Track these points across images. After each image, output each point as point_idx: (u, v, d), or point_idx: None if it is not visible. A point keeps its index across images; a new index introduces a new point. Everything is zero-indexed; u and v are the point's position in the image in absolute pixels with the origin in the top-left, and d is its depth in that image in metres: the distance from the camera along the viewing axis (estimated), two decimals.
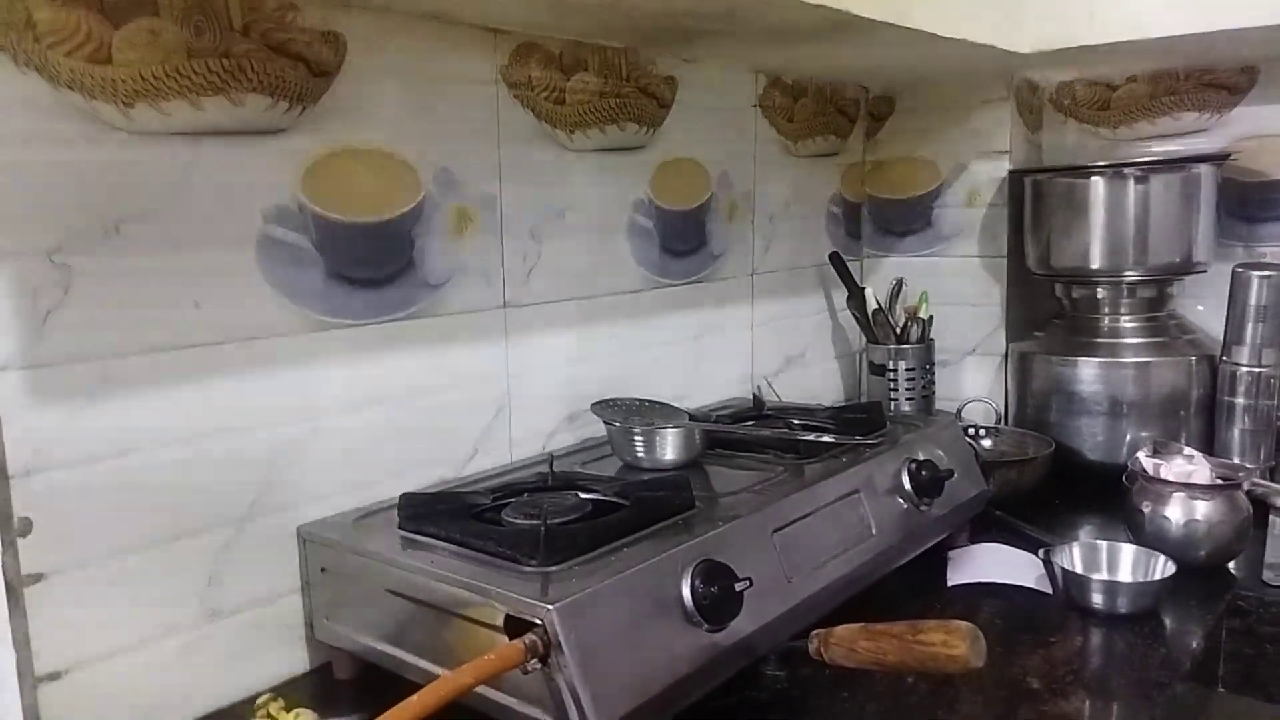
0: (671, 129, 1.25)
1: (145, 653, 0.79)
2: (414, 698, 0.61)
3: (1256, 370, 1.28)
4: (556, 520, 0.82)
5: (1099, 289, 1.43)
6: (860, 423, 1.14)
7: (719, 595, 0.75)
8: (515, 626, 0.69)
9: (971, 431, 1.45)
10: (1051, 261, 1.46)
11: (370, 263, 0.93)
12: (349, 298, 0.92)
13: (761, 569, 0.83)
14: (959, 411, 1.54)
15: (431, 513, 0.87)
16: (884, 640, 0.72)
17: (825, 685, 0.84)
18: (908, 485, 1.05)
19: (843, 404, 1.21)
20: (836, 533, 0.95)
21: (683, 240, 1.30)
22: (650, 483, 0.92)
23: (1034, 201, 1.47)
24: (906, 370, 1.52)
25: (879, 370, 1.54)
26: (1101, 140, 1.59)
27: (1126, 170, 1.36)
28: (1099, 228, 1.39)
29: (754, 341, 1.46)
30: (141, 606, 0.79)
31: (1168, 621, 0.96)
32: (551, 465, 1.00)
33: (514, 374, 1.08)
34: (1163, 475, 1.08)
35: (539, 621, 0.67)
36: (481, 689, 0.73)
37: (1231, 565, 1.08)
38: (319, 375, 0.90)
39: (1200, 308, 1.46)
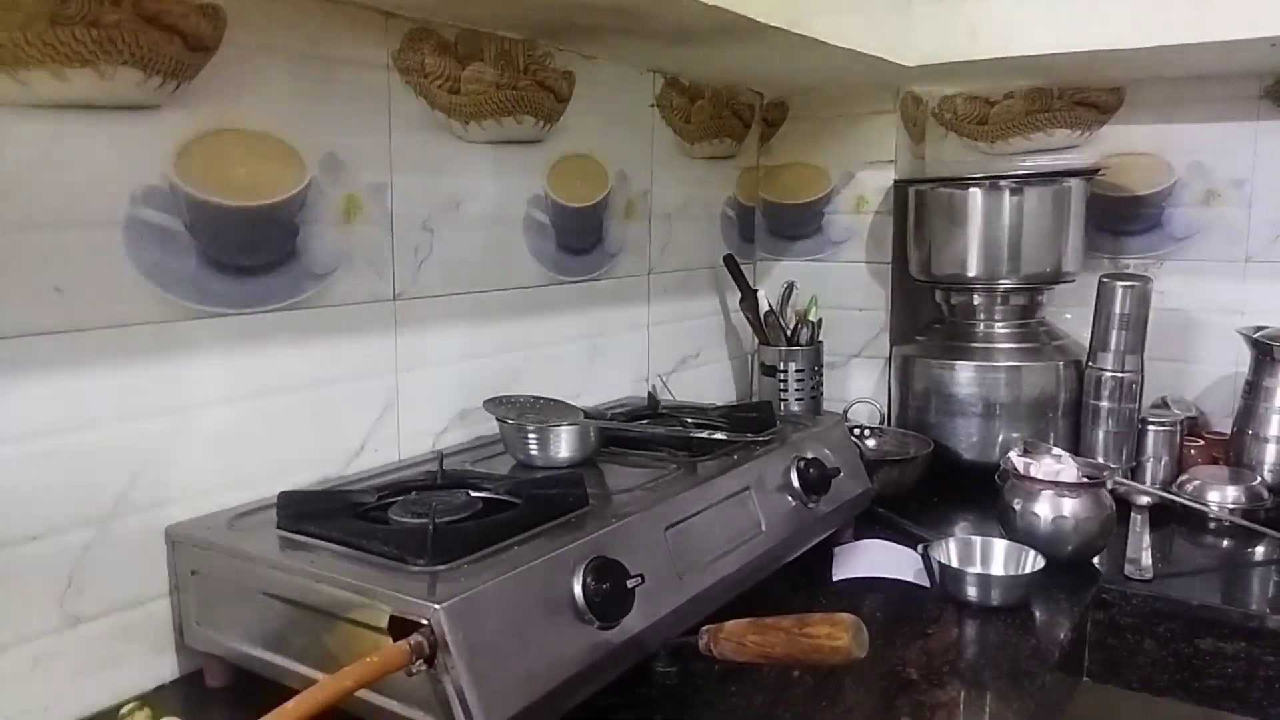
0: (569, 124, 1.24)
1: None
2: (291, 703, 0.58)
3: (1120, 375, 1.36)
4: (445, 519, 0.80)
5: (975, 296, 1.49)
6: (751, 422, 1.16)
7: (611, 592, 0.75)
8: (400, 628, 0.67)
9: (857, 431, 1.49)
10: (932, 268, 1.51)
11: (249, 249, 0.89)
12: (225, 285, 0.87)
13: (653, 566, 0.83)
14: (845, 412, 1.58)
15: (312, 512, 0.83)
16: (771, 634, 0.73)
17: (714, 680, 0.84)
18: (796, 483, 1.07)
19: (735, 403, 1.23)
20: (727, 529, 0.95)
21: (580, 237, 1.30)
22: (543, 480, 0.91)
23: (917, 210, 1.53)
24: (796, 371, 1.55)
25: (770, 371, 1.57)
26: (979, 154, 1.66)
27: (1003, 183, 1.43)
28: (976, 237, 1.45)
29: (650, 341, 1.47)
30: None
31: (1037, 613, 1.01)
32: (441, 463, 0.98)
33: (404, 369, 1.05)
34: (1033, 474, 1.13)
35: (425, 622, 0.65)
36: (364, 693, 0.70)
37: (1096, 560, 1.14)
38: (191, 366, 0.85)
39: (1068, 316, 1.54)
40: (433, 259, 1.07)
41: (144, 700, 0.77)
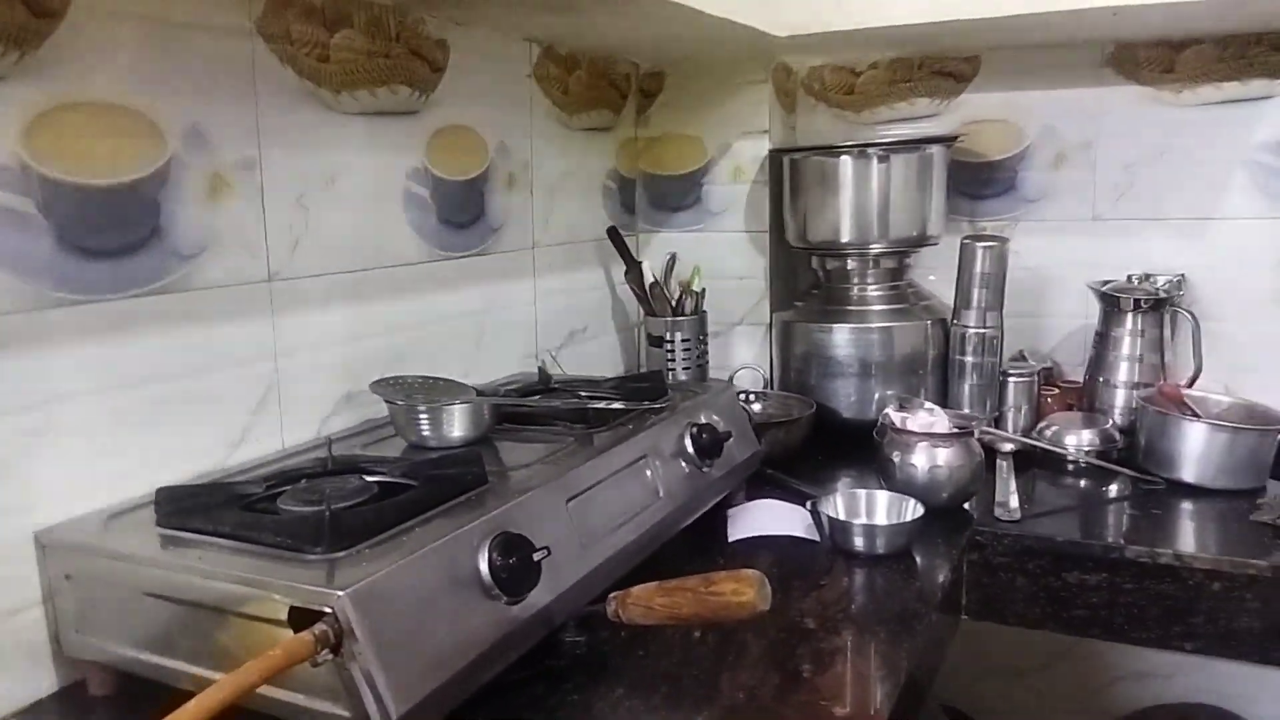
0: (446, 95, 1.21)
1: None
2: (191, 703, 0.56)
3: (982, 331, 1.44)
4: (340, 504, 0.78)
5: (849, 260, 1.55)
6: (644, 391, 1.17)
7: (517, 566, 0.75)
8: (301, 619, 0.64)
9: (743, 396, 1.52)
10: (808, 235, 1.56)
11: (109, 230, 0.83)
12: (85, 270, 0.81)
13: (557, 538, 0.83)
14: (731, 378, 1.62)
15: (195, 506, 0.79)
16: (678, 595, 0.74)
17: (622, 646, 0.85)
18: (690, 449, 1.09)
19: (625, 374, 1.24)
20: (627, 498, 0.96)
21: (461, 211, 1.27)
22: (439, 460, 0.90)
23: (791, 179, 1.57)
24: (683, 341, 1.57)
25: (657, 342, 1.58)
26: (847, 124, 1.71)
27: (870, 150, 1.48)
28: (848, 204, 1.50)
29: (537, 315, 1.46)
30: None
31: (919, 558, 1.06)
32: (330, 448, 0.95)
33: (283, 352, 1.01)
34: (909, 427, 1.19)
35: (329, 610, 0.64)
36: (267, 689, 0.68)
37: (969, 505, 1.21)
38: (52, 358, 0.79)
39: (932, 277, 1.62)
40: (308, 237, 1.03)
41: (21, 717, 0.72)
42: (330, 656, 0.63)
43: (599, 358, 1.61)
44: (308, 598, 0.65)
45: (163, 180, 0.87)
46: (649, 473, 1.01)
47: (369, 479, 0.88)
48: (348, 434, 1.07)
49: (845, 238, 1.52)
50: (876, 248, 1.52)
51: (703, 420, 1.12)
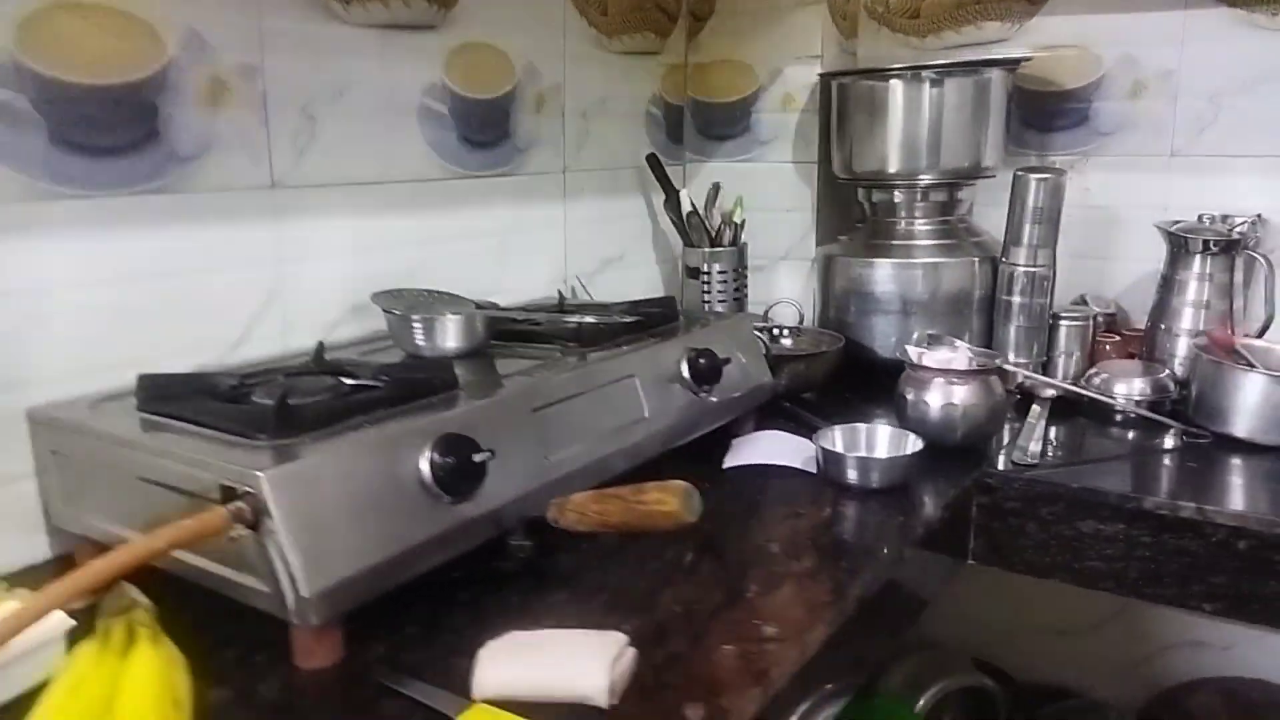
0: (468, 11, 1.21)
1: None
2: (99, 560, 0.59)
3: (1032, 270, 1.36)
4: (301, 399, 0.81)
5: (895, 193, 1.48)
6: (651, 316, 1.16)
7: (455, 466, 0.76)
8: (228, 496, 0.67)
9: (776, 331, 1.49)
10: (854, 166, 1.49)
11: (104, 129, 0.87)
12: (80, 166, 0.86)
13: (518, 445, 0.84)
14: (766, 312, 1.58)
15: (170, 394, 0.83)
16: (609, 502, 0.74)
17: (577, 556, 0.86)
18: (686, 373, 1.07)
19: (639, 300, 1.22)
20: (606, 414, 0.96)
21: (484, 130, 1.27)
22: (411, 365, 0.92)
23: (839, 105, 1.50)
24: (720, 273, 1.55)
25: (693, 273, 1.56)
26: (911, 49, 1.62)
27: (924, 73, 1.40)
28: (896, 132, 1.43)
29: (567, 241, 1.45)
30: None
31: (913, 495, 1.02)
32: (320, 351, 0.97)
33: (286, 259, 1.04)
34: (924, 362, 1.13)
35: (249, 489, 0.66)
36: (204, 561, 0.72)
37: (993, 449, 1.15)
38: (46, 248, 0.84)
39: (991, 213, 1.53)
40: (315, 147, 1.06)
41: (14, 580, 0.78)
42: (244, 532, 0.65)
43: (636, 286, 1.60)
44: (233, 476, 0.67)
45: (160, 84, 0.91)
46: (635, 392, 1.00)
47: (346, 381, 0.90)
48: (350, 343, 1.09)
49: (892, 168, 1.45)
50: (925, 179, 1.45)
51: (702, 346, 1.09)
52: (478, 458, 0.77)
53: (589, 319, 1.07)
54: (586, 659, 0.63)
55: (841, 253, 1.51)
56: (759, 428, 1.21)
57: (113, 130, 0.88)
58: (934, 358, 1.14)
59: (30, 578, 0.83)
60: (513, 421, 0.85)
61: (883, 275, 1.45)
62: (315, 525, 0.68)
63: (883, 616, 0.90)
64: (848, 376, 1.41)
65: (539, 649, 0.66)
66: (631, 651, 0.66)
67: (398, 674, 0.68)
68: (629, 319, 1.13)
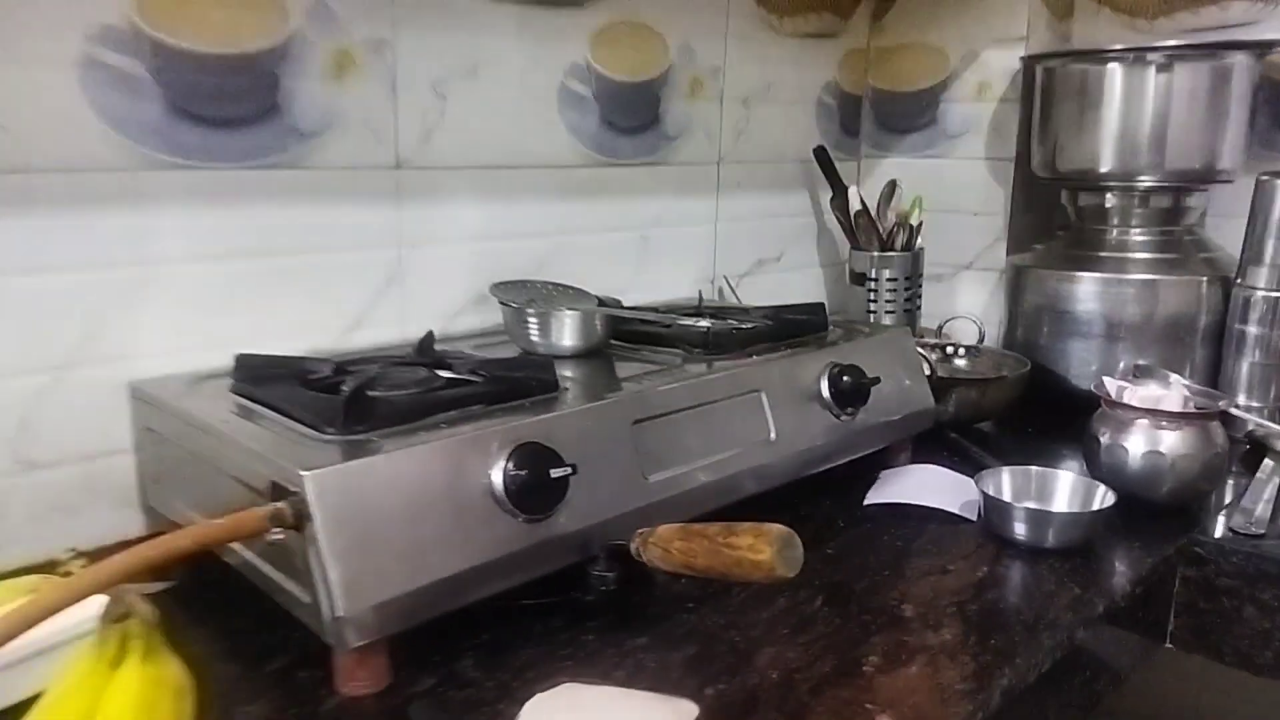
0: None
1: None
2: (120, 555, 0.55)
3: (1274, 295, 1.11)
4: (382, 391, 0.74)
5: (1108, 196, 1.26)
6: (794, 323, 1.03)
7: (530, 480, 0.67)
8: (278, 495, 0.61)
9: (950, 349, 1.31)
10: (1058, 164, 1.29)
11: (223, 100, 0.84)
12: (197, 137, 0.83)
13: (611, 461, 0.74)
14: (940, 329, 1.40)
15: (263, 376, 0.80)
16: (696, 541, 0.62)
17: (670, 593, 0.75)
18: (826, 391, 0.94)
19: (785, 304, 1.09)
20: (723, 434, 0.84)
21: (629, 115, 1.18)
22: (512, 362, 0.84)
23: (1045, 94, 1.30)
24: (889, 280, 1.39)
25: (859, 279, 1.41)
26: (1138, 33, 1.39)
27: (1149, 56, 1.18)
28: (1113, 125, 1.22)
29: (717, 238, 1.34)
30: None
31: (1098, 561, 0.84)
32: (427, 340, 0.91)
33: (408, 243, 0.99)
34: (1125, 400, 0.94)
35: (295, 489, 0.60)
36: (256, 560, 0.67)
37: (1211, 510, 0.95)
38: (157, 219, 0.82)
39: (1226, 225, 1.28)
40: (444, 127, 1.00)
41: (107, 553, 0.77)
42: (281, 535, 0.59)
43: (793, 291, 1.46)
44: (282, 473, 0.61)
45: (283, 55, 0.87)
46: (760, 410, 0.88)
47: (441, 373, 0.83)
48: (467, 335, 1.04)
49: (1105, 167, 1.24)
50: (1146, 181, 1.23)
51: (849, 362, 0.95)
52: (556, 473, 0.67)
53: (721, 323, 0.96)
54: None
55: (1037, 264, 1.32)
56: (915, 460, 1.06)
57: (232, 102, 0.85)
58: (1139, 394, 0.94)
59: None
60: (609, 434, 0.76)
61: (1086, 292, 1.24)
62: (364, 535, 0.60)
63: (1042, 713, 0.73)
64: (1032, 409, 1.21)
65: (590, 712, 0.56)
66: None
67: (437, 716, 0.60)
68: (766, 324, 1.01)
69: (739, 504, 0.83)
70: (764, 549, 0.57)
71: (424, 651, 0.66)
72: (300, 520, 0.59)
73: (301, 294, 0.93)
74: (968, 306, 1.45)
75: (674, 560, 0.63)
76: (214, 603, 0.72)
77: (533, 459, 0.67)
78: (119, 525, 0.84)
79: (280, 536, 0.59)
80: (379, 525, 0.61)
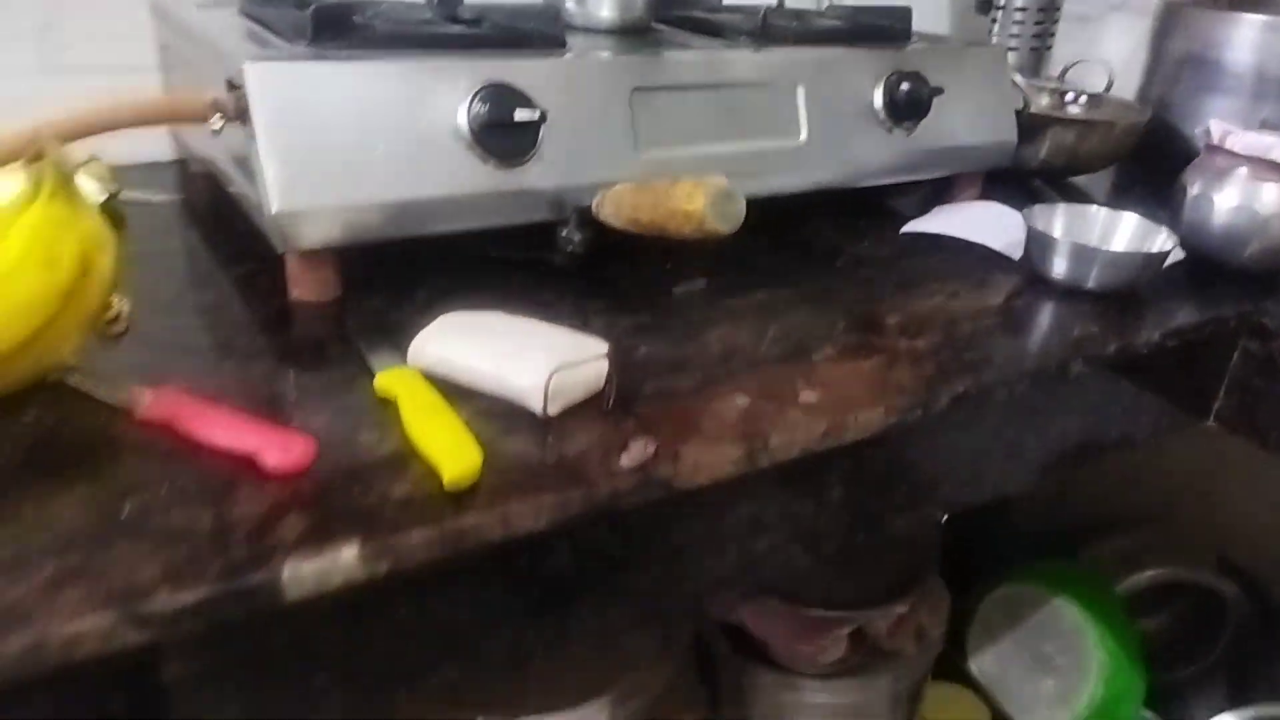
0: None
1: None
2: (55, 118, 0.55)
3: None
4: (366, 19, 0.71)
5: None
6: (869, 28, 0.91)
7: (492, 117, 0.63)
8: (233, 90, 0.61)
9: (1068, 96, 1.15)
10: None
11: None
12: None
13: (602, 127, 0.70)
14: (1064, 72, 1.22)
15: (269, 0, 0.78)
16: (645, 194, 0.58)
17: (649, 270, 0.72)
18: (880, 98, 0.84)
19: (863, 6, 0.96)
20: (739, 123, 0.77)
21: None
22: (522, 13, 0.78)
23: None
24: (1019, 9, 1.21)
25: (985, 6, 1.24)
26: None
27: None
28: None
29: None
30: None
31: (1140, 308, 0.74)
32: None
33: None
34: (1229, 146, 0.80)
35: (239, 85, 0.59)
36: (230, 168, 0.68)
37: None
38: None
39: None
40: None
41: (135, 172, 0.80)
42: (221, 123, 0.58)
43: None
44: (234, 69, 0.60)
45: None
46: (792, 105, 0.80)
47: (456, 23, 0.78)
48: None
49: None
50: None
51: (912, 69, 0.85)
52: (521, 115, 0.64)
53: (779, 16, 0.86)
54: (537, 354, 0.52)
55: (1193, 1, 1.11)
56: (984, 198, 0.96)
57: None
58: (1245, 139, 0.80)
59: (149, 174, 0.85)
60: (602, 96, 0.70)
61: (1243, 38, 1.05)
62: (307, 139, 0.59)
63: (1020, 444, 0.68)
64: (1145, 167, 1.07)
65: (496, 332, 0.55)
66: (602, 364, 0.53)
67: (366, 324, 0.61)
68: (835, 24, 0.91)
69: (749, 205, 0.78)
70: (698, 198, 0.53)
71: (382, 278, 0.67)
72: (241, 113, 0.59)
73: None
74: (1114, 54, 1.25)
75: (623, 216, 0.60)
76: (207, 215, 0.75)
77: (497, 97, 0.64)
78: (150, 147, 0.87)
79: (220, 125, 0.59)
80: (325, 132, 0.60)
